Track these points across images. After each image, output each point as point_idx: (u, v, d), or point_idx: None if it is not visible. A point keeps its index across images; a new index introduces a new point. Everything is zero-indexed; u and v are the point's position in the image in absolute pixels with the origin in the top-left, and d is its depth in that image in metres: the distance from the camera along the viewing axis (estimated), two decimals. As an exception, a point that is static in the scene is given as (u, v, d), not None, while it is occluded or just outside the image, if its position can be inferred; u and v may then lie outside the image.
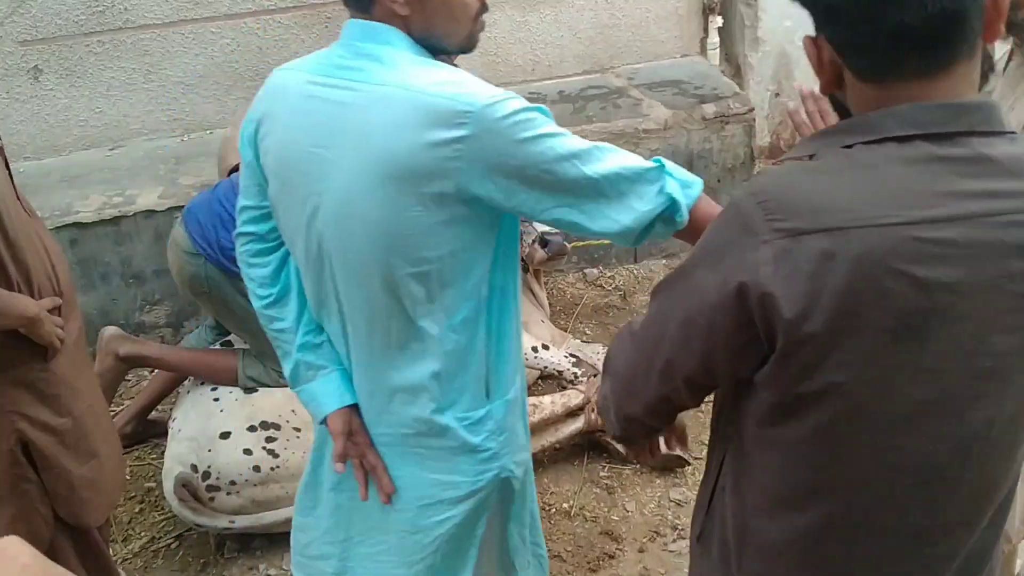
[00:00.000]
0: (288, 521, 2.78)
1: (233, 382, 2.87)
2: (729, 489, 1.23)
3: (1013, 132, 1.05)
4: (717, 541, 1.28)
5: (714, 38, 4.60)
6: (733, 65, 4.76)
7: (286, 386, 2.82)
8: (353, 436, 1.71)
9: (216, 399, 2.85)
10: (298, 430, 2.78)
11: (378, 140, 1.43)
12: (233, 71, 3.97)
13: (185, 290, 2.87)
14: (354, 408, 1.72)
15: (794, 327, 1.01)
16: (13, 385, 1.99)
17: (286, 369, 1.78)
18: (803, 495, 1.14)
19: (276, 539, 2.89)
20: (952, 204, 1.00)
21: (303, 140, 1.51)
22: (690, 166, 4.27)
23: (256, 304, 1.77)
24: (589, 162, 1.46)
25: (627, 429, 1.34)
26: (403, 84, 1.43)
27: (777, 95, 4.75)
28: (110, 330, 3.04)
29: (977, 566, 1.20)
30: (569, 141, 1.46)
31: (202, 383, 2.94)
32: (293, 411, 2.80)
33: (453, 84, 1.43)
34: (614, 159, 1.49)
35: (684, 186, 1.54)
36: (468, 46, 1.57)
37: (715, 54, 4.64)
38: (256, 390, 2.86)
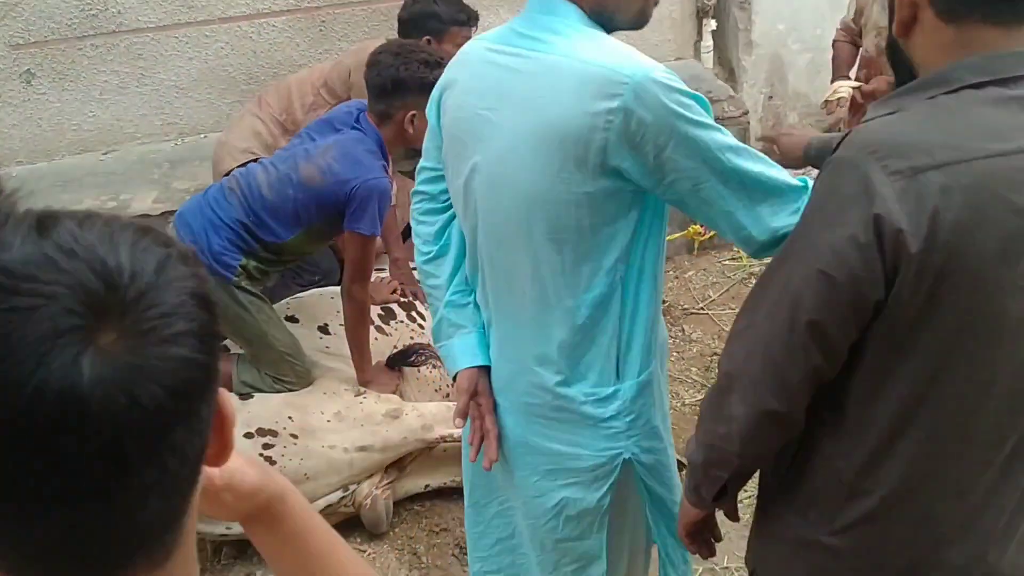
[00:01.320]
0: (285, 527, 2.77)
1: (227, 388, 2.85)
2: (823, 455, 1.28)
3: None
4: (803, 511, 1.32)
5: (708, 41, 4.61)
6: (727, 68, 4.77)
7: (281, 392, 2.86)
8: (477, 397, 1.76)
9: (212, 405, 2.84)
10: (295, 436, 2.76)
11: (538, 106, 1.48)
12: (227, 75, 3.96)
13: None
14: (484, 370, 1.76)
15: (919, 260, 1.08)
16: None
17: (433, 322, 1.85)
18: (902, 427, 1.19)
19: (273, 545, 2.87)
20: None
21: (475, 102, 1.59)
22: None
23: (418, 259, 1.86)
24: (738, 158, 1.46)
25: (759, 435, 1.27)
26: (569, 54, 1.47)
27: (771, 98, 4.76)
28: None
29: None
30: (721, 135, 1.47)
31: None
32: (290, 417, 2.79)
33: (617, 55, 1.45)
34: (763, 165, 1.49)
35: None
36: (641, 22, 1.59)
37: (709, 57, 4.66)
38: (251, 396, 2.84)
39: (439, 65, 2.67)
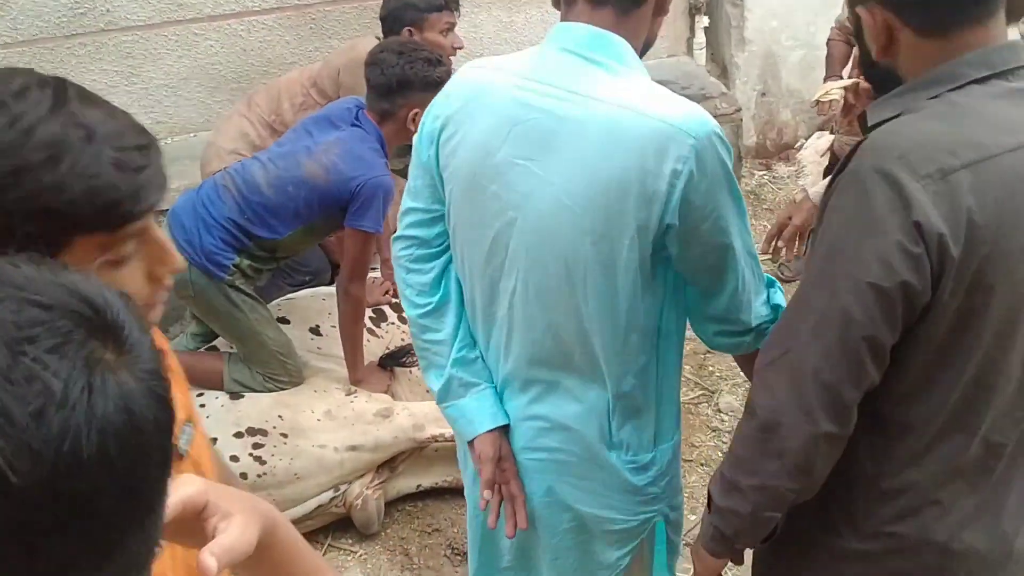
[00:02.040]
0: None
1: (218, 386, 2.83)
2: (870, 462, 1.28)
3: None
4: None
5: (700, 38, 4.60)
6: (719, 65, 4.76)
7: (273, 391, 2.84)
8: (502, 462, 1.63)
9: (202, 405, 2.82)
10: (285, 436, 2.75)
11: (595, 163, 1.35)
12: (217, 73, 3.93)
13: (174, 296, 2.84)
14: (504, 430, 1.64)
15: (960, 261, 1.09)
16: None
17: (435, 384, 1.67)
18: (945, 428, 1.21)
19: (264, 546, 2.86)
20: None
21: (507, 148, 1.42)
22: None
23: (411, 312, 1.67)
24: (745, 241, 1.45)
25: (816, 462, 1.23)
26: (626, 103, 1.35)
27: (763, 95, 4.75)
28: None
29: None
30: (747, 227, 1.46)
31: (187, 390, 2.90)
32: (280, 416, 2.77)
33: (676, 107, 1.36)
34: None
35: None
36: (650, 42, 1.51)
37: (701, 54, 4.65)
38: (242, 396, 2.83)
39: (440, 63, 2.68)
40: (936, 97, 1.14)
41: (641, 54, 1.47)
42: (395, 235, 1.67)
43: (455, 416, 1.67)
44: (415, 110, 2.66)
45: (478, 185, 1.47)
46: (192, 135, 3.95)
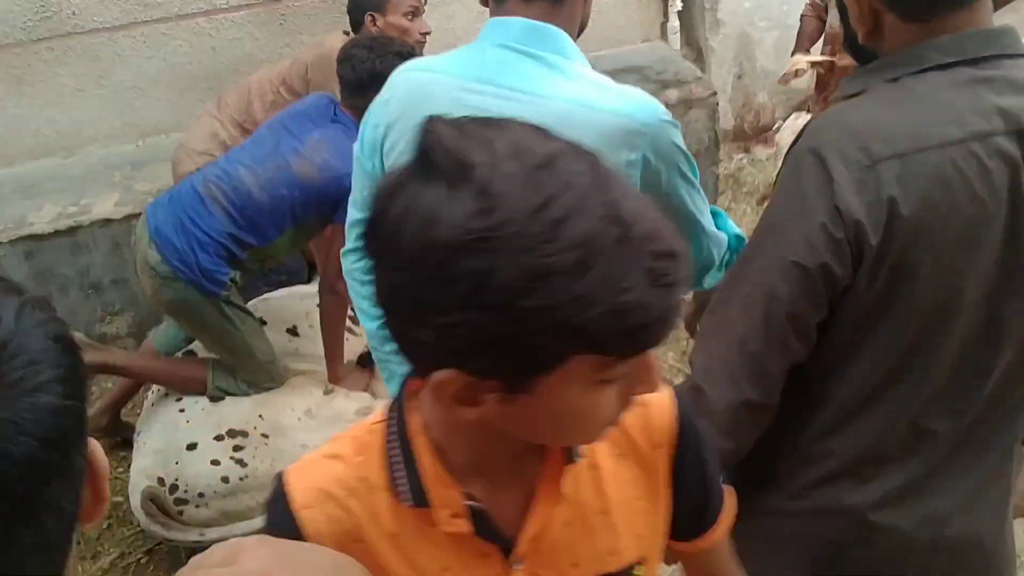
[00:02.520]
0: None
1: (200, 392, 2.81)
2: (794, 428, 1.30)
3: None
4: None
5: (674, 22, 4.58)
6: (695, 49, 4.74)
7: (253, 394, 2.81)
8: None
9: (181, 410, 2.79)
10: (266, 436, 2.72)
11: None
12: (187, 73, 3.89)
13: (162, 311, 2.81)
14: None
15: (878, 249, 1.09)
16: None
17: (392, 389, 1.67)
18: (862, 403, 1.22)
19: (249, 549, 2.84)
20: (995, 120, 1.09)
21: None
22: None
23: (368, 324, 1.65)
24: (705, 217, 1.49)
25: (739, 426, 1.27)
26: (575, 98, 1.32)
27: (739, 77, 4.74)
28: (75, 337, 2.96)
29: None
30: (702, 195, 1.46)
31: (167, 394, 2.88)
32: (260, 416, 2.75)
33: (624, 98, 1.34)
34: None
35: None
36: (583, 25, 1.48)
37: (676, 38, 4.62)
38: (223, 398, 2.81)
39: (411, 55, 2.63)
40: (895, 80, 1.14)
41: (576, 37, 1.44)
42: (345, 249, 1.65)
43: None
44: None
45: None
46: (164, 136, 3.91)
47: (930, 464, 1.24)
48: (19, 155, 3.84)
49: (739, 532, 1.41)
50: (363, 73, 2.64)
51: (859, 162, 1.08)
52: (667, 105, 3.95)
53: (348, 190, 2.62)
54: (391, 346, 1.61)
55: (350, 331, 3.07)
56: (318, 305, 2.91)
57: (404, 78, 1.48)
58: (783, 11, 4.51)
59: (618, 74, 4.20)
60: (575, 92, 1.33)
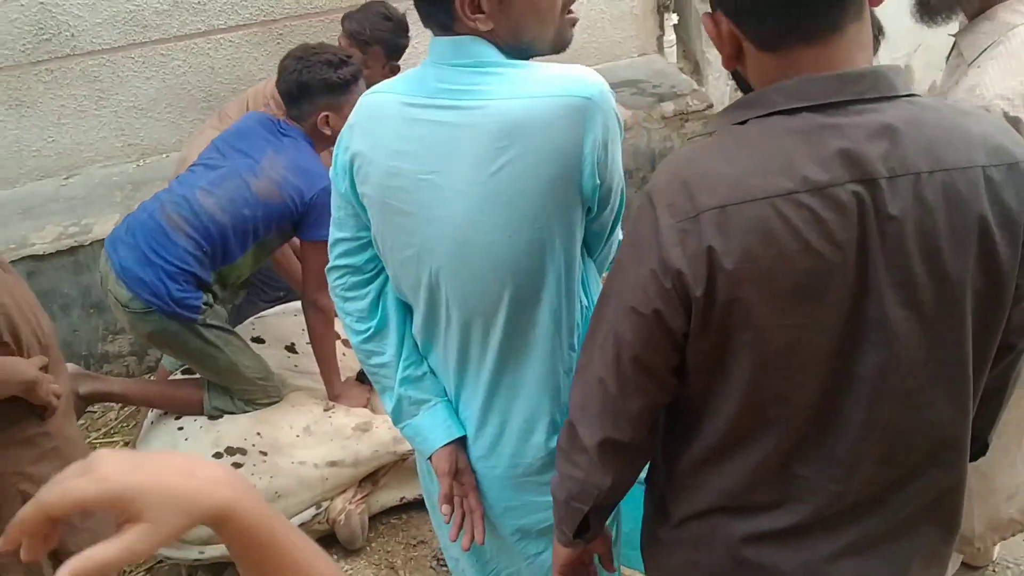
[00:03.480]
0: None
1: (198, 412, 2.81)
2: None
3: (912, 95, 1.09)
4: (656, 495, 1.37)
5: (671, 35, 4.60)
6: (692, 62, 4.75)
7: (251, 412, 2.82)
8: (459, 475, 1.64)
9: (180, 428, 2.81)
10: (264, 454, 2.73)
11: (496, 157, 1.36)
12: (186, 93, 3.92)
13: (144, 342, 2.81)
14: (460, 443, 1.64)
15: (703, 300, 1.07)
16: (13, 446, 1.96)
17: (388, 405, 1.69)
18: (726, 444, 1.20)
19: (249, 566, 2.84)
20: (835, 169, 1.04)
21: (409, 167, 1.45)
22: (652, 165, 4.26)
23: (354, 339, 1.69)
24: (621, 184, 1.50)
25: (609, 464, 1.28)
26: (514, 93, 1.36)
27: (737, 90, 4.74)
28: (70, 368, 2.96)
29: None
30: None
31: (165, 412, 2.89)
32: (259, 434, 2.75)
33: (561, 80, 1.36)
34: None
35: None
36: (560, 45, 1.49)
37: (672, 52, 4.64)
38: (221, 416, 2.82)
39: (344, 63, 2.67)
40: (743, 123, 1.10)
41: (551, 51, 1.47)
42: (328, 266, 1.69)
43: (411, 435, 1.68)
44: (325, 113, 2.68)
45: (391, 207, 1.49)
46: (164, 156, 3.94)
47: (817, 511, 1.20)
48: (20, 176, 3.87)
49: (647, 560, 1.43)
50: (291, 84, 2.68)
51: (684, 211, 1.06)
52: (663, 117, 4.01)
53: (311, 205, 2.67)
54: (376, 359, 1.67)
55: (348, 344, 3.08)
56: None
57: (364, 101, 1.55)
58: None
59: (615, 87, 4.20)
60: (510, 89, 1.37)
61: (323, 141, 2.75)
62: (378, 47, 3.10)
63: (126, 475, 0.67)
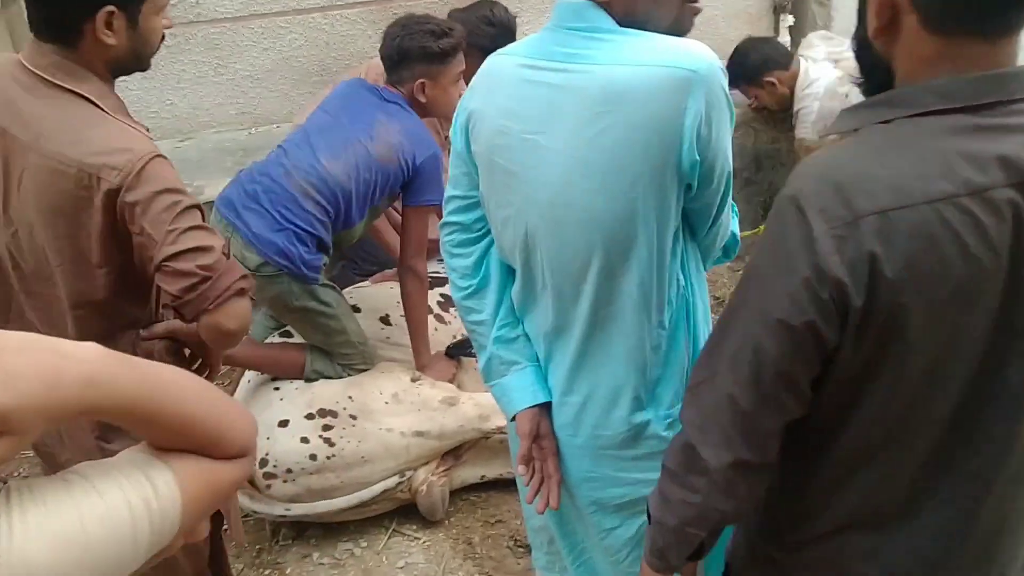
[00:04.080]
0: (342, 511, 2.81)
1: (299, 376, 2.88)
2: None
3: None
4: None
5: (785, 37, 4.51)
6: (804, 65, 4.66)
7: (348, 376, 2.88)
8: (539, 439, 1.66)
9: (276, 388, 2.88)
10: (354, 418, 2.78)
11: (602, 121, 1.38)
12: (300, 66, 4.01)
13: (263, 307, 2.88)
14: (545, 408, 1.66)
15: (863, 310, 1.03)
16: None
17: (480, 362, 1.75)
18: (862, 460, 1.16)
19: (330, 528, 2.90)
20: (993, 171, 1.00)
21: (516, 126, 1.48)
22: (757, 166, 4.19)
23: (455, 295, 1.75)
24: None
25: (737, 486, 1.21)
26: (621, 59, 1.37)
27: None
28: None
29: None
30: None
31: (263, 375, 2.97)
32: (350, 398, 2.81)
33: (673, 51, 1.37)
34: None
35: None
36: (677, 31, 1.48)
37: (785, 53, 4.55)
38: (317, 380, 2.87)
39: (445, 34, 2.72)
40: (889, 122, 1.06)
41: (669, 32, 1.45)
42: (440, 222, 1.74)
43: (498, 395, 1.72)
44: (421, 80, 2.74)
45: (496, 165, 1.53)
46: (275, 126, 4.03)
47: (943, 525, 1.16)
48: (138, 136, 4.00)
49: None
50: (393, 49, 2.75)
51: (841, 217, 1.01)
52: (772, 118, 3.92)
53: (418, 170, 2.74)
54: (474, 316, 1.72)
55: (440, 319, 3.12)
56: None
57: (487, 62, 1.60)
58: (898, 30, 4.40)
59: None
60: (621, 55, 1.39)
61: (419, 108, 2.80)
62: (476, 51, 3.11)
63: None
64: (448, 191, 1.70)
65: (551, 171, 1.45)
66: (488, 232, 1.68)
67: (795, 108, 3.62)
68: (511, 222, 1.56)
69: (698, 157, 1.38)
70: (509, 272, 1.69)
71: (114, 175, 1.61)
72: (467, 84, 1.67)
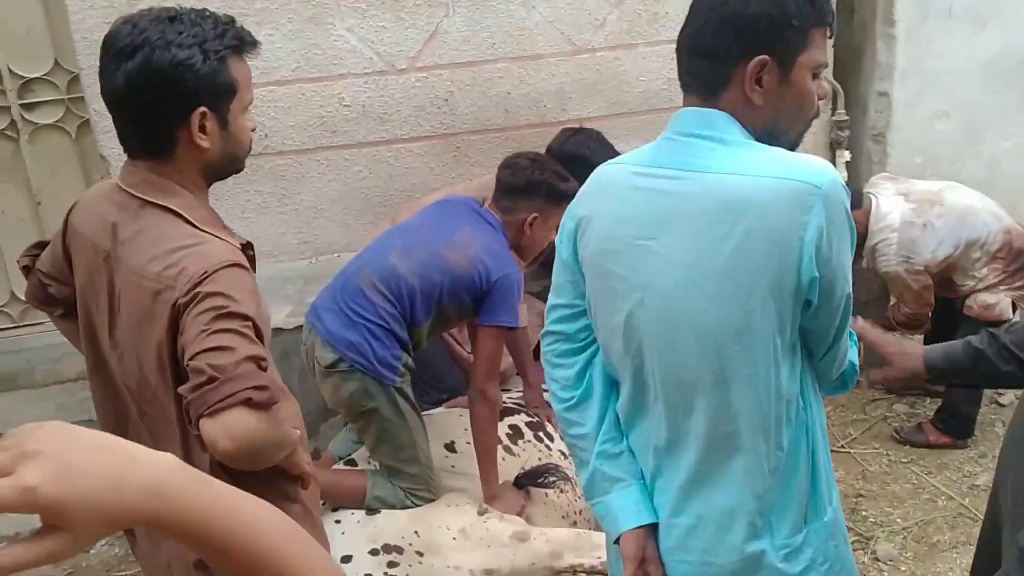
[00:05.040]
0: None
1: (358, 504, 2.77)
2: None
3: None
4: None
5: (842, 172, 4.53)
6: (860, 201, 4.66)
7: (410, 507, 2.76)
8: (645, 564, 1.57)
9: (337, 520, 2.76)
10: (420, 554, 2.65)
11: (715, 230, 1.36)
12: (363, 197, 4.06)
13: (339, 409, 2.83)
14: (651, 530, 1.58)
15: None
16: None
17: (582, 479, 1.67)
18: None
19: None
20: None
21: (627, 232, 1.47)
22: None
23: (556, 406, 1.69)
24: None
25: None
26: (740, 169, 1.36)
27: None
28: None
29: None
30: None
31: (323, 504, 2.85)
32: (416, 533, 2.69)
33: (794, 164, 1.36)
34: None
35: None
36: (798, 142, 1.50)
37: (842, 189, 4.57)
38: (379, 511, 2.76)
39: (568, 180, 2.79)
40: None
41: (791, 146, 1.46)
42: (543, 331, 1.72)
43: (602, 514, 1.63)
44: (534, 215, 2.80)
45: (606, 271, 1.51)
46: (336, 255, 4.05)
47: None
48: (201, 265, 4.03)
49: None
50: (521, 179, 2.82)
51: None
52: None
53: (495, 287, 2.71)
54: (576, 429, 1.63)
55: (508, 450, 3.01)
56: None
57: (597, 172, 1.59)
58: (953, 167, 4.40)
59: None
60: (741, 164, 1.36)
61: (517, 239, 2.84)
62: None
63: (53, 487, 0.64)
64: (551, 300, 1.68)
65: (664, 278, 1.42)
66: (592, 342, 1.64)
67: (871, 243, 3.62)
68: (621, 329, 1.51)
69: (817, 273, 1.34)
70: (612, 384, 1.63)
71: (183, 282, 1.54)
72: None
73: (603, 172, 1.57)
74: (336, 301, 2.75)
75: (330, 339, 2.68)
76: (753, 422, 1.43)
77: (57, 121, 4.06)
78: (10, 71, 3.95)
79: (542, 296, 3.88)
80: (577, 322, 1.64)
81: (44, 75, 4.00)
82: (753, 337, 1.38)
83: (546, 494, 2.94)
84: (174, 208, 1.64)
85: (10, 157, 4.09)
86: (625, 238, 1.47)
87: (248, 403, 1.42)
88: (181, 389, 1.48)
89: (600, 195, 1.54)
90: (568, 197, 2.73)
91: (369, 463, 2.90)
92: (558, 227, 2.79)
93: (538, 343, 3.60)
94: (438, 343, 3.23)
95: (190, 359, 1.47)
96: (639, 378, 1.53)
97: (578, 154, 3.19)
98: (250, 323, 1.53)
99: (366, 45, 3.86)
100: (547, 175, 2.82)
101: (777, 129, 1.44)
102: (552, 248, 3.46)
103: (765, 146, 1.41)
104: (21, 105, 4.01)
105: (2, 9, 3.91)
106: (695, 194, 1.38)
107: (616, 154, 3.24)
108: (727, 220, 1.35)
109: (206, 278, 1.53)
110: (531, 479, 2.93)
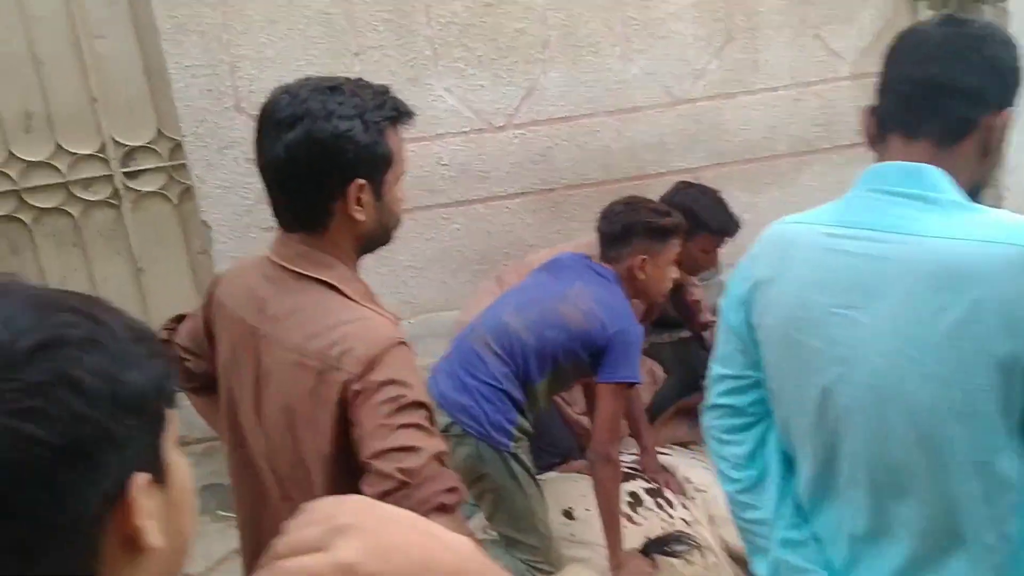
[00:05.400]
0: None
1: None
2: None
3: None
4: None
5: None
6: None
7: (528, 583, 2.65)
8: None
9: (455, 591, 2.66)
10: (545, 631, 2.53)
11: (933, 300, 1.23)
12: (460, 255, 4.02)
13: (459, 475, 2.76)
14: None
15: None
16: None
17: (761, 567, 1.54)
18: None
19: None
20: None
21: (823, 299, 1.35)
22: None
23: (727, 488, 1.58)
24: None
25: None
26: (959, 234, 1.24)
27: None
28: None
29: None
30: None
31: None
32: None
33: (1009, 226, 1.24)
34: None
35: None
36: (984, 184, 1.40)
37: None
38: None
39: (667, 214, 2.77)
40: None
41: (971, 195, 1.34)
42: (707, 405, 1.59)
43: None
44: (643, 257, 2.73)
45: (796, 342, 1.39)
46: (433, 314, 4.01)
47: None
48: (300, 327, 4.01)
49: None
50: (617, 225, 2.78)
51: None
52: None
53: (612, 341, 2.60)
54: (751, 513, 1.48)
55: (628, 518, 2.89)
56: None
57: (772, 231, 1.47)
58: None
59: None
60: (959, 228, 1.24)
61: (632, 286, 2.77)
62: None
63: (372, 564, 0.62)
64: (716, 370, 1.57)
65: (872, 351, 1.29)
66: (763, 416, 1.51)
67: None
68: (814, 406, 1.38)
69: None
70: (790, 463, 1.50)
71: (352, 364, 1.48)
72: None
73: (782, 232, 1.46)
74: (452, 364, 2.71)
75: (443, 402, 2.63)
76: (975, 509, 1.28)
77: (159, 188, 4.11)
78: (114, 141, 4.02)
79: (650, 354, 3.79)
80: (748, 395, 1.52)
81: (147, 143, 4.06)
82: (975, 419, 1.25)
83: (672, 563, 2.80)
84: (331, 281, 1.59)
85: (112, 224, 4.15)
86: (821, 306, 1.35)
87: (442, 508, 1.41)
88: (368, 493, 1.41)
89: (783, 257, 1.42)
90: (670, 230, 2.76)
91: (485, 532, 2.80)
92: (672, 263, 2.76)
93: (650, 404, 3.51)
94: (551, 405, 3.14)
95: (372, 457, 1.43)
96: (830, 459, 1.40)
97: (685, 206, 3.11)
98: (426, 412, 1.49)
99: (464, 104, 3.85)
100: (642, 214, 2.78)
101: (980, 183, 1.35)
102: (664, 305, 3.40)
103: (982, 207, 1.30)
104: (124, 173, 4.07)
105: (106, 80, 3.99)
106: (908, 259, 1.26)
107: (727, 212, 3.18)
108: (948, 289, 1.22)
109: (377, 363, 1.47)
110: (659, 547, 2.79)
